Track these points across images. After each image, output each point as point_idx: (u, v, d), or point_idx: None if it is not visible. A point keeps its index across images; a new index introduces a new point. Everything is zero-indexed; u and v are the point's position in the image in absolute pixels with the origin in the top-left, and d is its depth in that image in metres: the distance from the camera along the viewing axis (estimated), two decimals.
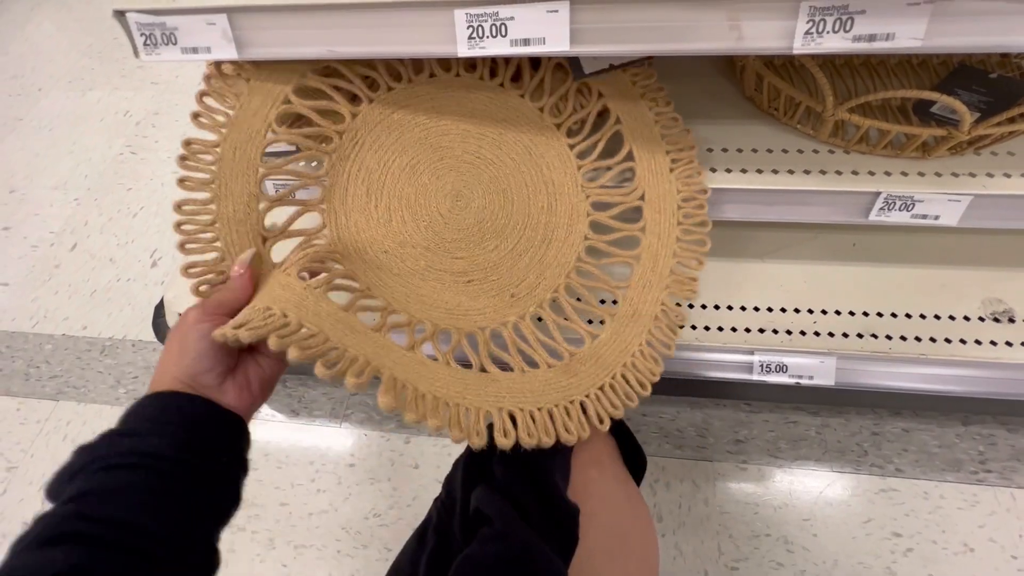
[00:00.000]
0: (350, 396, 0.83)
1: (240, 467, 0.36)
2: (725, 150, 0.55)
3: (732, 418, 0.77)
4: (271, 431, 0.80)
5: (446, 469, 0.48)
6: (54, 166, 1.19)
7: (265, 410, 0.83)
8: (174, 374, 0.35)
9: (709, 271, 0.65)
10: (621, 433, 0.50)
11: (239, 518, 0.38)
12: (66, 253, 1.04)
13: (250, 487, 0.39)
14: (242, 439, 0.37)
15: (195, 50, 0.43)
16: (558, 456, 0.42)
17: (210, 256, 0.43)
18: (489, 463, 0.42)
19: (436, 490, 0.47)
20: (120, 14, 0.41)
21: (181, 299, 0.66)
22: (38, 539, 0.28)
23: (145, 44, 0.43)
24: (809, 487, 0.71)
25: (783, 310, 0.60)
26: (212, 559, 0.33)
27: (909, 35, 0.36)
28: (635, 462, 0.50)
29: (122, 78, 1.35)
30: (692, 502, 0.71)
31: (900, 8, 0.35)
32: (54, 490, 0.32)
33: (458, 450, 0.50)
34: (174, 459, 0.32)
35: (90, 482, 0.31)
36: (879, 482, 0.71)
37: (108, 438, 0.33)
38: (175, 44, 0.42)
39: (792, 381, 0.58)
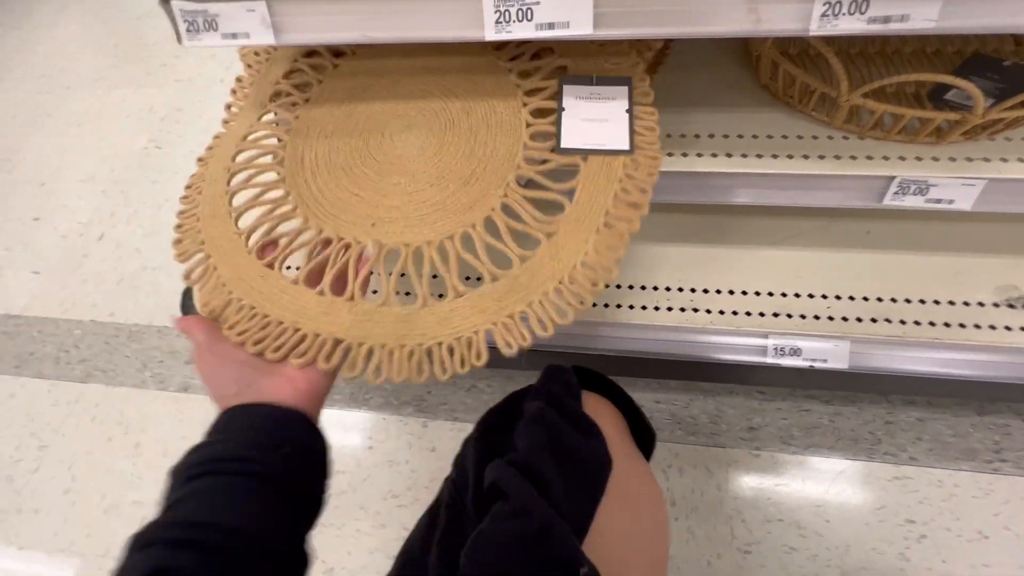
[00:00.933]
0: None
1: (308, 460, 0.36)
2: (740, 136, 0.56)
3: (745, 406, 0.78)
4: None
5: None
6: (82, 160, 1.22)
7: None
8: (226, 399, 0.37)
9: (723, 257, 0.66)
10: (630, 410, 0.50)
11: None
12: (94, 243, 1.08)
13: None
14: (304, 430, 0.36)
15: (235, 35, 0.45)
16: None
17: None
18: (503, 436, 0.42)
19: None
20: (165, 1, 0.44)
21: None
22: (135, 545, 0.30)
23: (188, 30, 0.45)
24: (822, 474, 0.72)
25: (797, 295, 0.61)
26: (299, 557, 0.33)
27: (923, 16, 0.37)
28: (645, 439, 0.50)
29: (147, 75, 1.39)
30: (705, 487, 0.72)
31: None
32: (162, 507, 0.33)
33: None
34: (236, 458, 0.33)
35: (179, 492, 0.33)
36: (892, 470, 0.71)
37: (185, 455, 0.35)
38: (216, 30, 0.45)
39: (806, 364, 0.59)
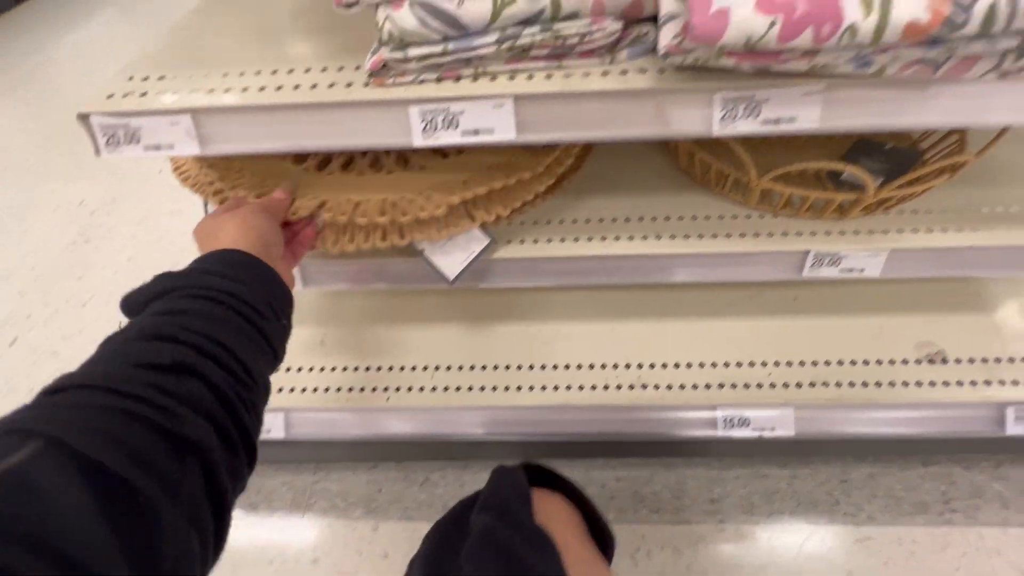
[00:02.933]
0: (313, 484, 0.79)
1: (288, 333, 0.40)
2: (668, 218, 0.59)
3: (705, 476, 0.76)
4: None
5: None
6: (0, 256, 1.14)
7: None
8: (241, 243, 0.39)
9: (668, 331, 0.67)
10: (587, 511, 0.48)
11: None
12: (5, 348, 0.98)
13: None
14: (292, 307, 0.41)
15: (158, 147, 0.44)
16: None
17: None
18: (450, 555, 0.40)
19: None
20: (84, 117, 0.43)
21: None
22: (141, 335, 0.29)
23: (107, 143, 0.44)
24: (788, 543, 0.70)
25: (739, 364, 0.63)
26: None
27: (807, 119, 0.41)
28: (604, 540, 0.48)
29: (78, 169, 1.35)
30: (675, 570, 0.69)
31: (797, 98, 0.40)
32: (133, 305, 0.34)
33: (426, 528, 0.48)
34: (256, 311, 0.35)
35: (180, 304, 0.32)
36: (854, 531, 0.71)
37: (193, 273, 0.36)
38: (138, 143, 0.44)
39: (755, 435, 0.59)
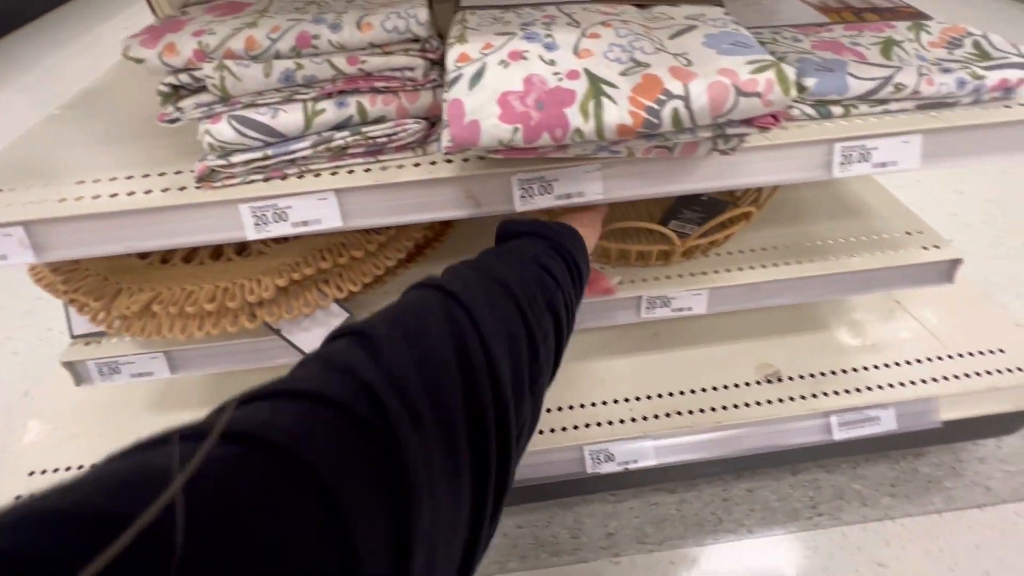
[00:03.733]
0: None
1: None
2: None
3: (601, 512, 0.80)
4: None
5: None
6: None
7: None
8: None
9: None
10: None
11: None
12: None
13: None
14: None
15: None
16: None
17: None
18: None
19: None
20: None
21: None
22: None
23: None
24: (678, 568, 0.74)
25: (604, 403, 0.68)
26: None
27: (593, 192, 0.48)
28: None
29: None
30: None
31: (580, 176, 0.47)
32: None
33: None
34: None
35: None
36: (736, 547, 0.76)
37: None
38: None
39: (621, 468, 0.64)
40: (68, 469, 0.67)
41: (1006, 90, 0.50)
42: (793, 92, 0.36)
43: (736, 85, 0.35)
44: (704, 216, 0.67)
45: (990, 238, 1.22)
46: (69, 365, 0.59)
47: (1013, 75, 0.49)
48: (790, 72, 0.36)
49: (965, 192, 1.35)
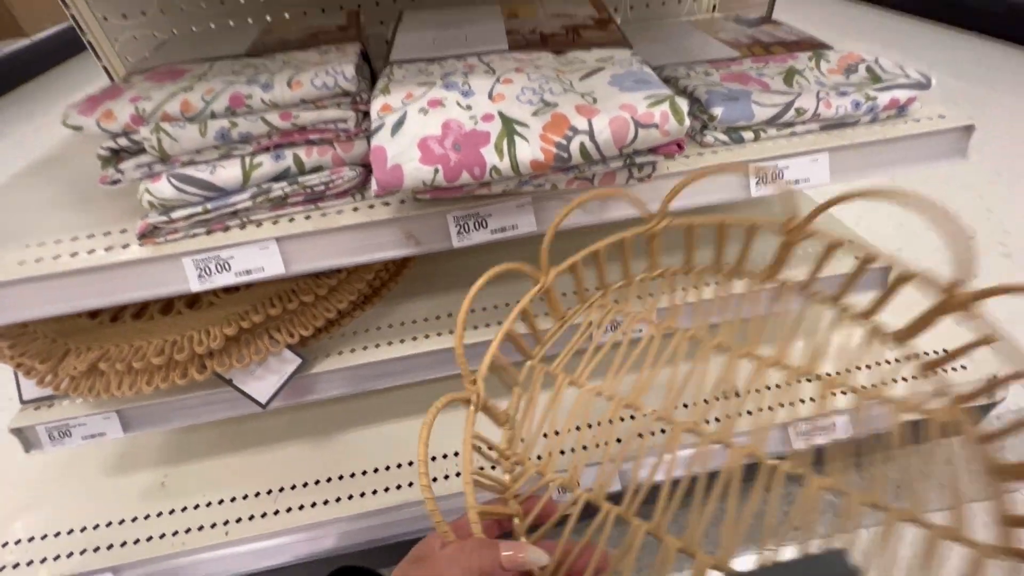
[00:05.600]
0: None
1: None
2: (473, 311, 0.67)
3: None
4: None
5: None
6: None
7: None
8: None
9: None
10: None
11: None
12: None
13: None
14: None
15: None
16: None
17: None
18: None
19: None
20: None
21: None
22: None
23: None
24: None
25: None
26: None
27: (526, 225, 0.50)
28: None
29: None
30: None
31: (512, 210, 0.50)
32: None
33: None
34: None
35: None
36: None
37: None
38: None
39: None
40: (18, 543, 0.64)
41: (899, 108, 0.54)
42: (687, 122, 0.39)
43: (635, 118, 0.39)
44: None
45: None
46: (17, 431, 0.58)
47: (902, 94, 0.53)
48: (683, 104, 0.39)
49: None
